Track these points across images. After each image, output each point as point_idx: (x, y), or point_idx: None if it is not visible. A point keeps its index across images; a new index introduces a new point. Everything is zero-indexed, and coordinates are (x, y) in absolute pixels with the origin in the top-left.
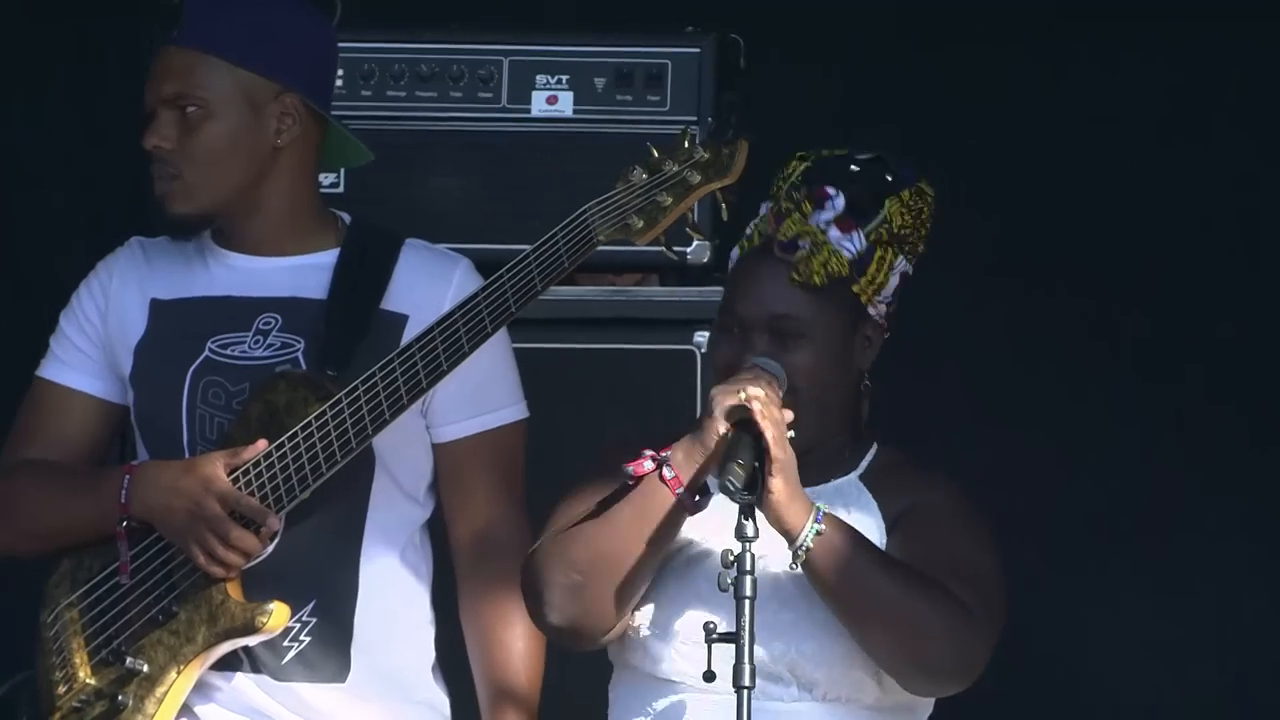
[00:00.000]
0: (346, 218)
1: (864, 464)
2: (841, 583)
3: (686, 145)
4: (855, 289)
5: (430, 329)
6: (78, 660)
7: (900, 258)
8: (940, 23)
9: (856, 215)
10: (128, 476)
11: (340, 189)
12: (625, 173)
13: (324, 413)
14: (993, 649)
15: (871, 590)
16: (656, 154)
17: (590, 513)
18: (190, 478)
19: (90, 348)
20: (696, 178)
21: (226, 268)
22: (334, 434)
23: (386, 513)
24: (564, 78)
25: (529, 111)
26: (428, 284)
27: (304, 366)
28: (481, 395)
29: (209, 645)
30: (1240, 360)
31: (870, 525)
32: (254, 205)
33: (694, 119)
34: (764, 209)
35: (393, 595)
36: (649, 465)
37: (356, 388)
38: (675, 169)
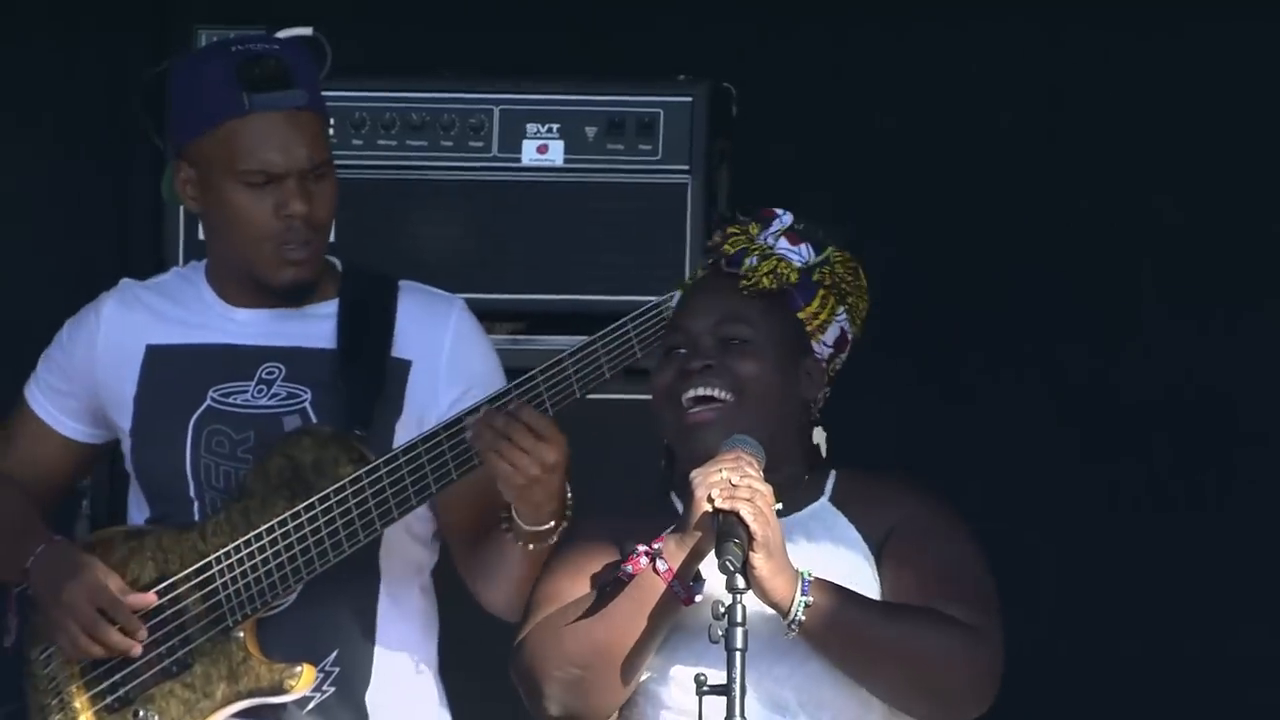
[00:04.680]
0: (339, 264)
1: (829, 488)
2: (841, 644)
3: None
4: (801, 315)
5: (483, 403)
6: (78, 705)
7: (842, 309)
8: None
9: (804, 235)
10: (42, 547)
11: (330, 237)
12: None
13: (360, 478)
14: (1003, 659)
15: (872, 644)
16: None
17: (586, 606)
18: (81, 578)
19: (70, 390)
20: None
21: (224, 316)
22: (372, 500)
23: (399, 559)
24: (555, 126)
25: (519, 160)
26: (427, 328)
27: (312, 418)
28: None
29: (228, 702)
30: None
31: (854, 549)
32: None
33: (686, 168)
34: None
35: (407, 642)
36: (644, 562)
37: (397, 457)
38: None
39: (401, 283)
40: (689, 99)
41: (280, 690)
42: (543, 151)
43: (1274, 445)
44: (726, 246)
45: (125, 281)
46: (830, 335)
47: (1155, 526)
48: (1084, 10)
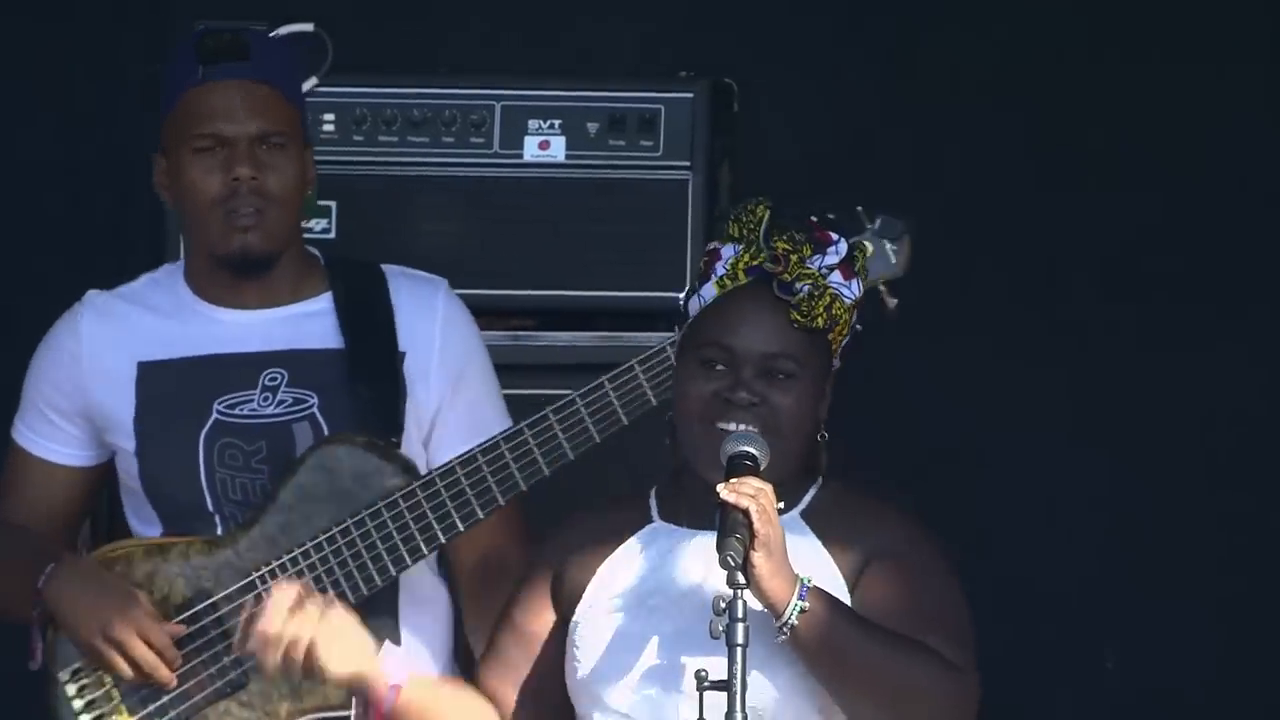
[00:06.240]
0: (320, 256)
1: (805, 500)
2: (829, 657)
3: None
4: (830, 338)
5: (563, 406)
6: None
7: (855, 314)
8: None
9: (853, 263)
10: (52, 565)
11: (332, 234)
12: None
13: (414, 492)
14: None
15: (859, 663)
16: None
17: None
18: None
19: (61, 419)
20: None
21: (214, 322)
22: (432, 514)
23: None
24: (556, 123)
25: (521, 157)
26: (417, 318)
27: (321, 423)
28: (481, 427)
29: (291, 718)
30: None
31: (818, 565)
32: (282, 252)
33: (687, 164)
34: (732, 251)
35: (430, 633)
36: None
37: (454, 469)
38: None
39: (386, 269)
40: (690, 95)
41: (349, 705)
42: (544, 148)
43: None
44: (785, 275)
45: (92, 293)
46: (844, 345)
47: None
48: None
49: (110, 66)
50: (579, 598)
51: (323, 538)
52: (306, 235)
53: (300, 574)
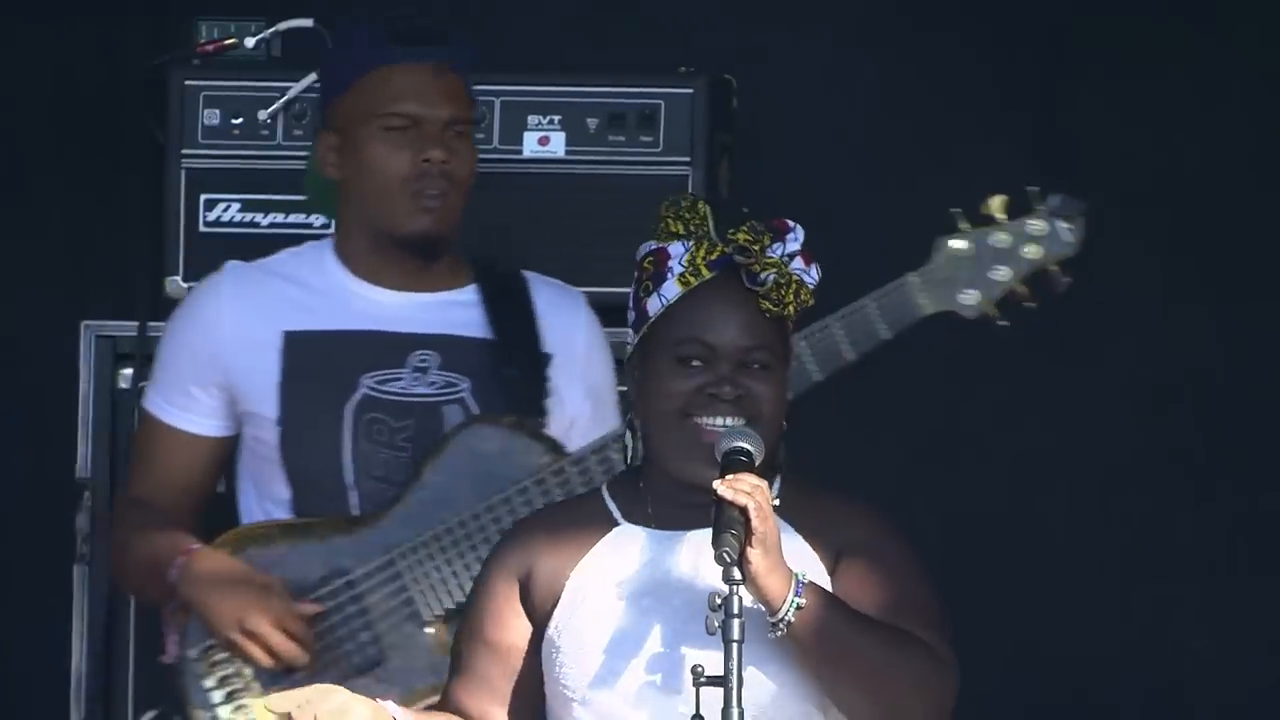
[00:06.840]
0: (463, 251)
1: (773, 493)
2: (823, 652)
3: (1005, 217)
4: (787, 325)
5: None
6: (255, 702)
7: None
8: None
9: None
10: (181, 559)
11: (332, 229)
12: (943, 242)
13: (562, 468)
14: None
15: (853, 658)
16: (967, 225)
17: None
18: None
19: (198, 389)
20: (1034, 251)
21: (364, 300)
22: (581, 488)
23: None
24: (556, 118)
25: (521, 152)
26: (562, 324)
27: (472, 408)
28: (609, 414)
29: (434, 694)
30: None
31: (798, 555)
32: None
33: (687, 159)
34: (681, 248)
35: None
36: None
37: (606, 444)
38: (1009, 241)
39: (525, 274)
40: (690, 91)
41: None
42: (544, 143)
43: None
44: (755, 266)
45: (232, 264)
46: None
47: None
48: None
49: (110, 66)
50: (554, 604)
51: (467, 515)
52: (306, 231)
53: (441, 550)
